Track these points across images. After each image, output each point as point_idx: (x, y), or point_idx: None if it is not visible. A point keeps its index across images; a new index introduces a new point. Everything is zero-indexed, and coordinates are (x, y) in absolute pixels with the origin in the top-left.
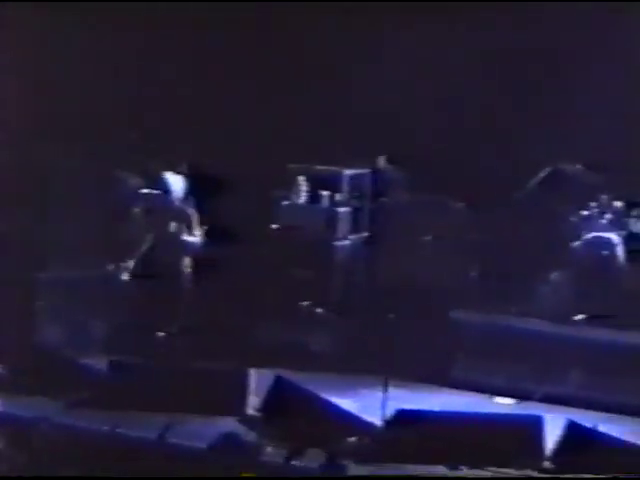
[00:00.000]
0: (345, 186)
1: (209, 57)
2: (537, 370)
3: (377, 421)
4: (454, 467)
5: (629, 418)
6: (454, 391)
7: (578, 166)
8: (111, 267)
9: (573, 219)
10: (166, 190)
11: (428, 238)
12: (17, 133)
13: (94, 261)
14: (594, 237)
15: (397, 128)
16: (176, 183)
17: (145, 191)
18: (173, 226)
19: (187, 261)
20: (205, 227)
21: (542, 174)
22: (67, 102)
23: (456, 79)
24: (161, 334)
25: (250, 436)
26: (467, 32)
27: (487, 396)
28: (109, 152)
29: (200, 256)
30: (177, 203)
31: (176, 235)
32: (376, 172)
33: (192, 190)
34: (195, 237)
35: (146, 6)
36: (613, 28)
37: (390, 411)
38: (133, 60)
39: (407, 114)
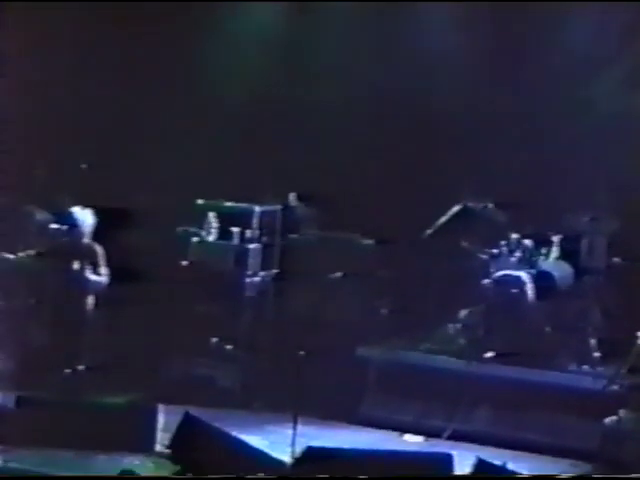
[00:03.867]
0: (255, 222)
1: (114, 91)
2: (446, 408)
3: (287, 458)
4: None
5: (536, 456)
6: (363, 428)
7: (488, 204)
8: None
9: (482, 256)
10: (74, 225)
11: (338, 275)
12: None
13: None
14: (504, 276)
15: (308, 165)
16: (84, 218)
17: (54, 226)
18: (77, 263)
19: (92, 299)
20: (111, 265)
21: (452, 211)
22: None
23: (364, 119)
24: (68, 371)
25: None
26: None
27: (396, 434)
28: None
29: (107, 293)
30: (85, 239)
31: (81, 273)
32: (286, 209)
33: (100, 225)
34: (101, 275)
35: None
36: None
37: (299, 448)
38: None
39: (317, 152)
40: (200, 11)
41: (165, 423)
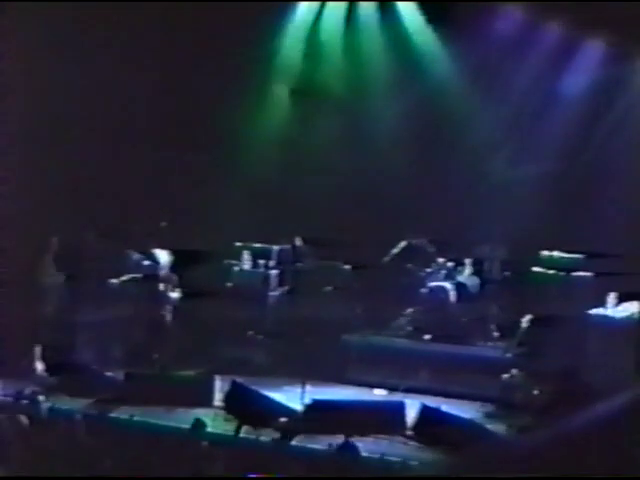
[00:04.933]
0: (274, 256)
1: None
2: (401, 372)
3: (298, 407)
4: (349, 435)
5: (459, 401)
6: (348, 387)
7: (423, 240)
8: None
9: (421, 274)
10: (157, 261)
11: (329, 289)
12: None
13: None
14: (435, 286)
15: (307, 219)
16: (164, 257)
17: (145, 262)
18: (162, 286)
19: (170, 308)
20: (182, 286)
21: (400, 245)
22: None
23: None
24: (156, 355)
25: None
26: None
27: (369, 389)
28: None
29: (180, 304)
30: (164, 270)
31: (163, 292)
32: (294, 247)
33: (174, 261)
34: (175, 293)
35: None
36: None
37: (307, 401)
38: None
39: (314, 209)
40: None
41: (220, 387)
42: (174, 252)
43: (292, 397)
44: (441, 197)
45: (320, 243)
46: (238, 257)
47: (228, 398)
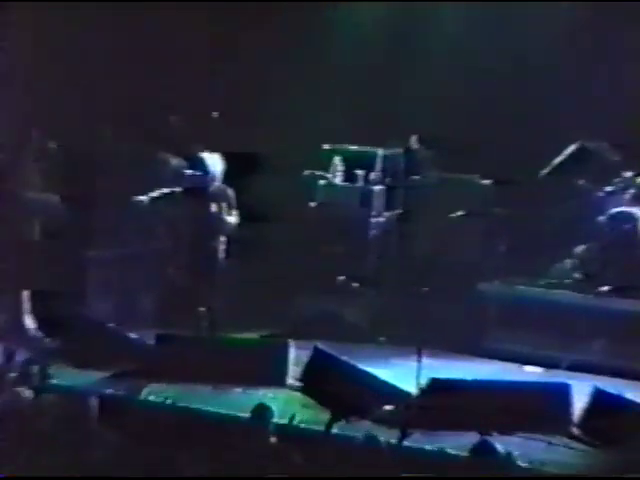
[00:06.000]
0: (379, 165)
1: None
2: (564, 340)
3: (412, 389)
4: (486, 433)
5: None
6: (485, 360)
7: (602, 144)
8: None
9: (598, 194)
10: (206, 171)
11: (459, 214)
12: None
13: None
14: (619, 212)
15: (429, 108)
16: (215, 164)
17: (188, 172)
18: (212, 206)
19: (224, 239)
20: (242, 207)
21: (568, 151)
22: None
23: (485, 61)
24: (203, 309)
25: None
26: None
27: (516, 365)
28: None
29: (238, 233)
30: (217, 183)
31: (216, 215)
32: (408, 152)
33: (230, 171)
34: (232, 218)
35: None
36: None
37: (424, 380)
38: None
39: (439, 95)
40: None
41: (296, 357)
42: (230, 157)
43: (402, 374)
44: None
45: (447, 146)
46: (325, 166)
47: (308, 374)
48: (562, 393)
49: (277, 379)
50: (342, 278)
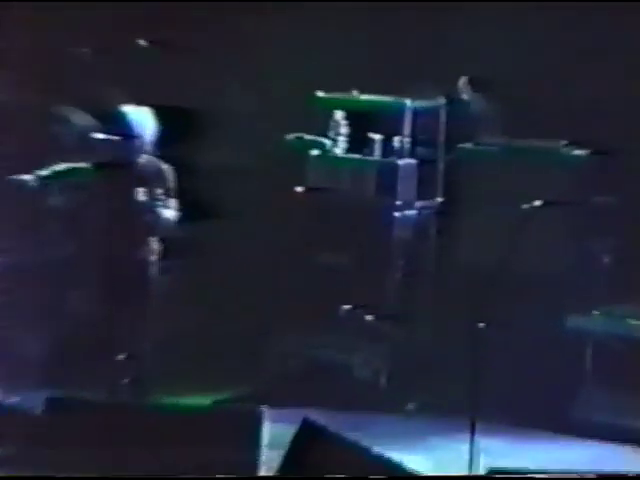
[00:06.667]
0: (408, 126)
1: None
2: None
3: None
4: None
5: None
6: (574, 440)
7: None
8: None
9: None
10: (130, 135)
11: (535, 204)
12: None
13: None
14: None
15: (487, 37)
16: (145, 124)
17: (101, 136)
18: (142, 192)
19: (159, 245)
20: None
21: None
22: None
23: None
24: (121, 356)
25: None
26: None
27: (630, 447)
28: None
29: (180, 235)
30: (147, 156)
31: (146, 206)
32: (455, 104)
33: (168, 135)
34: (172, 209)
35: None
36: None
37: (481, 470)
38: None
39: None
40: None
41: (273, 435)
42: (169, 113)
43: (446, 462)
44: None
45: (515, 95)
46: (322, 125)
47: (291, 462)
48: None
49: (241, 469)
50: (347, 307)
